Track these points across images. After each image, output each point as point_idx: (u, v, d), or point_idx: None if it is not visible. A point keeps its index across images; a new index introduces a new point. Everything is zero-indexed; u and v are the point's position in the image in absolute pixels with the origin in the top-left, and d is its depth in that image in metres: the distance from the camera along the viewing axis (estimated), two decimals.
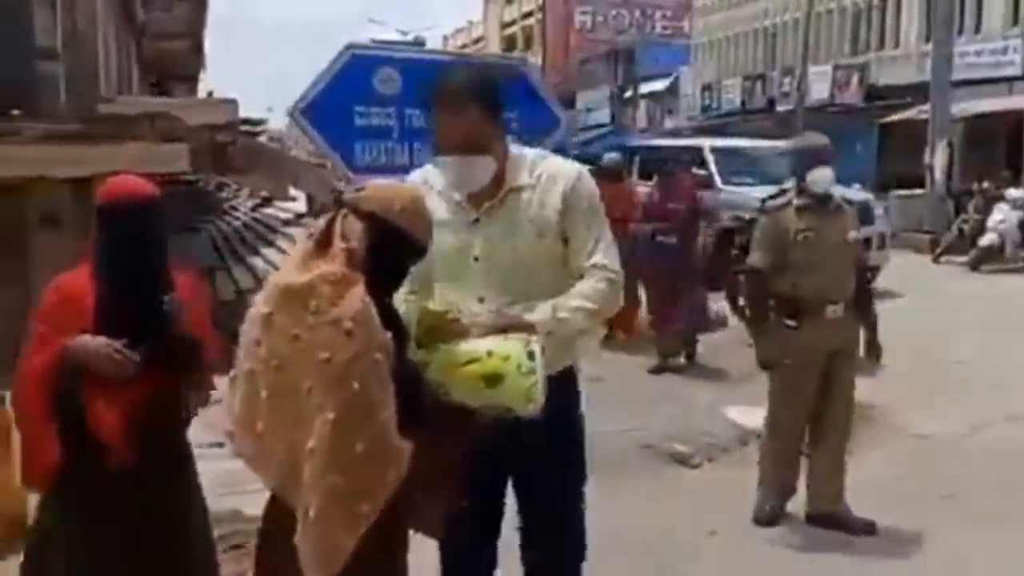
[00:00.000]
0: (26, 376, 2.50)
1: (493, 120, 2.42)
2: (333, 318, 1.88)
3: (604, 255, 2.52)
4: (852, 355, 4.54)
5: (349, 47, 6.35)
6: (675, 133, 28.10)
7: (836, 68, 28.15)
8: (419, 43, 51.33)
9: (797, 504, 4.61)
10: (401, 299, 2.24)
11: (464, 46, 61.06)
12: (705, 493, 5.00)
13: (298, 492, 1.87)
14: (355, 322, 1.88)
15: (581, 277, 2.50)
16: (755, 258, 4.44)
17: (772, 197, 8.92)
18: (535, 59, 49.96)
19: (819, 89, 27.05)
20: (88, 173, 8.38)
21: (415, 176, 2.63)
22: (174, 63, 23.78)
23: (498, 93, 2.46)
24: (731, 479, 5.15)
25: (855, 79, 27.50)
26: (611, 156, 9.60)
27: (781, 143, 14.87)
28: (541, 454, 2.54)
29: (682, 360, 7.77)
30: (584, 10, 41.05)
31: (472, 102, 2.37)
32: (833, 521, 4.41)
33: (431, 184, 2.52)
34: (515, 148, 2.56)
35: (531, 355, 2.14)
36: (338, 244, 1.99)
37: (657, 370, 7.59)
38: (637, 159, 13.78)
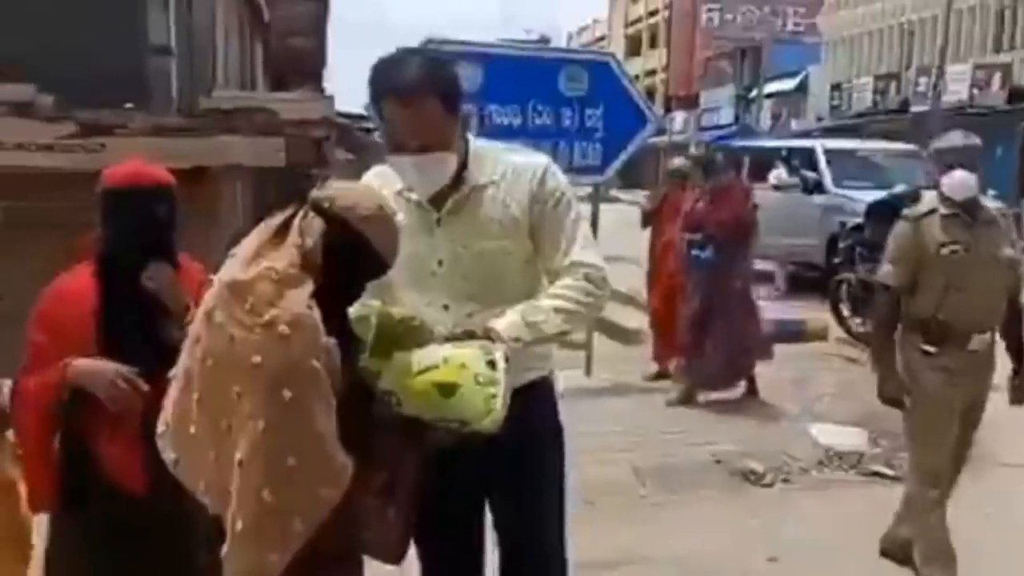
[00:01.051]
0: (25, 397, 2.37)
1: (452, 112, 2.19)
2: (269, 320, 1.73)
3: (582, 251, 2.29)
4: (986, 392, 3.86)
5: (428, 42, 6.28)
6: (804, 134, 27.11)
7: (976, 67, 26.57)
8: (544, 41, 51.55)
9: (856, 535, 4.24)
10: (356, 304, 2.08)
11: (587, 45, 60.85)
12: (772, 515, 4.70)
13: (227, 503, 1.75)
14: (292, 326, 1.73)
15: (556, 276, 2.29)
16: (889, 274, 3.77)
17: (882, 202, 8.28)
18: (660, 58, 49.31)
19: (957, 89, 25.56)
20: (188, 166, 8.68)
21: (369, 176, 2.39)
22: (298, 60, 24.45)
23: (456, 83, 2.24)
24: (803, 503, 4.84)
25: (996, 79, 25.86)
26: (679, 160, 8.06)
27: (898, 145, 14.20)
28: (514, 479, 2.35)
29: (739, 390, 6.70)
30: (711, 7, 39.98)
31: (428, 94, 2.13)
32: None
33: (388, 184, 2.29)
34: (478, 141, 2.35)
35: (492, 364, 1.96)
36: (293, 241, 1.84)
37: (676, 402, 6.48)
38: (747, 160, 13.32)
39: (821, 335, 8.63)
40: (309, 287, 1.79)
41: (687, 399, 6.47)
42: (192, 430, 1.81)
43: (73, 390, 2.33)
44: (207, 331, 1.80)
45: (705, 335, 6.48)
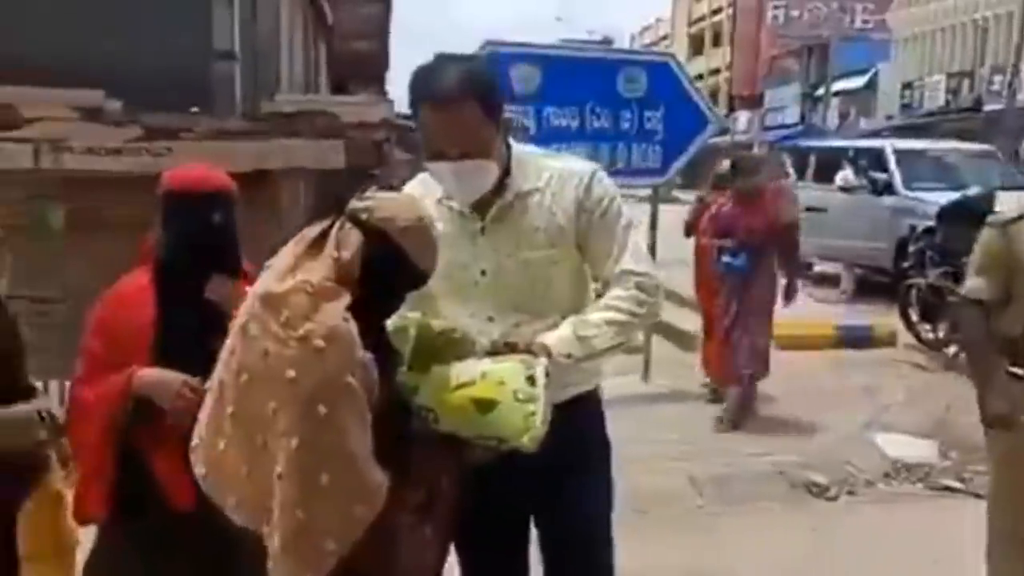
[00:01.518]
0: (86, 407, 2.31)
1: (491, 118, 2.11)
2: (304, 333, 1.69)
3: (632, 259, 2.21)
4: None
5: (487, 44, 6.25)
6: (872, 134, 26.49)
7: None
8: (607, 42, 51.37)
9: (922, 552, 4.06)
10: (394, 316, 2.03)
11: (650, 44, 60.36)
12: (835, 529, 4.54)
13: (262, 518, 1.72)
14: (328, 340, 1.68)
15: (607, 286, 2.21)
16: (975, 286, 3.37)
17: (955, 204, 7.82)
18: (723, 57, 48.71)
19: None
20: (250, 169, 8.81)
21: (412, 184, 2.33)
22: (361, 63, 24.68)
23: (495, 88, 2.17)
24: (868, 517, 4.67)
25: None
26: (725, 163, 7.24)
27: (971, 145, 13.75)
28: (560, 496, 2.28)
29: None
30: (777, 4, 39.35)
31: (467, 98, 2.06)
32: None
33: (430, 192, 2.24)
34: (520, 147, 2.28)
35: (531, 380, 1.88)
36: (329, 253, 1.80)
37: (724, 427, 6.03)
38: (812, 160, 13.03)
39: (889, 341, 8.39)
40: (345, 300, 1.75)
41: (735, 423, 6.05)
42: (222, 445, 1.78)
43: (137, 406, 2.28)
44: (242, 344, 1.77)
45: (723, 343, 6.21)
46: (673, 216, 8.01)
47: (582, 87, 6.45)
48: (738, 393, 6.10)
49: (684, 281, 7.21)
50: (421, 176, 2.31)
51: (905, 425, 5.97)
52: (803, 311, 9.59)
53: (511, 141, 2.25)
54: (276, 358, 1.70)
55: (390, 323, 1.98)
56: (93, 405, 2.30)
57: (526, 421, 1.85)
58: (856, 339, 8.39)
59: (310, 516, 1.68)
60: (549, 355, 2.01)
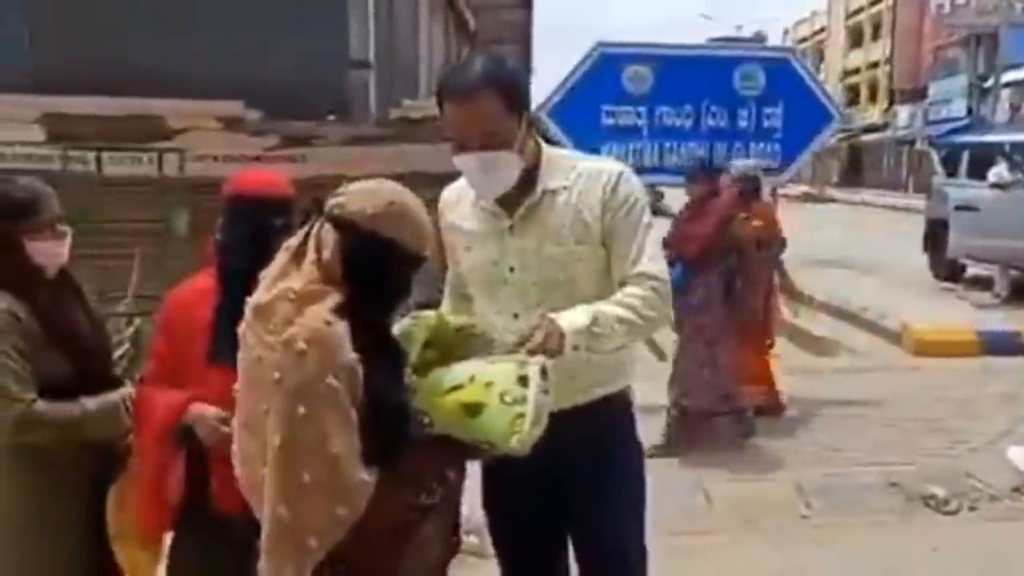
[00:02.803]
0: (145, 410, 2.37)
1: (514, 111, 2.12)
2: (287, 338, 1.74)
3: (650, 261, 2.21)
4: None
5: (599, 45, 6.24)
6: None
7: None
8: (759, 39, 50.07)
9: None
10: (410, 316, 2.05)
11: (805, 39, 58.35)
12: (953, 546, 4.28)
13: None
14: (309, 342, 1.72)
15: (623, 286, 2.21)
16: None
17: None
18: (883, 49, 46.57)
19: None
20: (378, 173, 9.12)
21: (452, 188, 2.37)
22: None
23: (519, 82, 2.17)
24: (990, 534, 4.38)
25: None
26: (744, 163, 6.24)
27: None
28: (589, 501, 2.27)
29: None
30: None
31: (488, 89, 2.08)
32: None
33: (463, 194, 2.31)
34: (550, 147, 2.30)
35: (523, 380, 1.84)
36: (310, 257, 1.82)
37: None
38: (965, 156, 12.30)
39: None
40: (332, 300, 1.78)
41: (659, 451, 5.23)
42: (241, 455, 1.86)
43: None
44: (242, 354, 1.85)
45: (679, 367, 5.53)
46: (826, 216, 7.72)
47: (697, 86, 6.35)
48: (673, 420, 5.51)
49: (815, 284, 6.94)
50: (461, 181, 2.34)
51: None
52: (949, 315, 9.12)
53: (539, 140, 2.27)
54: (265, 363, 1.76)
55: (400, 325, 2.00)
56: (153, 414, 2.37)
57: (513, 424, 1.82)
58: (1001, 346, 7.88)
59: (293, 514, 1.72)
60: (561, 347, 1.99)
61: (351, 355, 1.75)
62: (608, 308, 2.13)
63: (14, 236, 2.34)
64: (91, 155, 7.19)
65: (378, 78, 10.68)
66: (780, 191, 6.89)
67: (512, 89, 2.13)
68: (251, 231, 2.38)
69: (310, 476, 1.71)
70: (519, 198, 2.21)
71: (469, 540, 4.20)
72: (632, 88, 6.20)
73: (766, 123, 6.42)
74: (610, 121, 6.26)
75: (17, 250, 2.34)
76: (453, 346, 1.98)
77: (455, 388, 1.86)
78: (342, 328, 1.76)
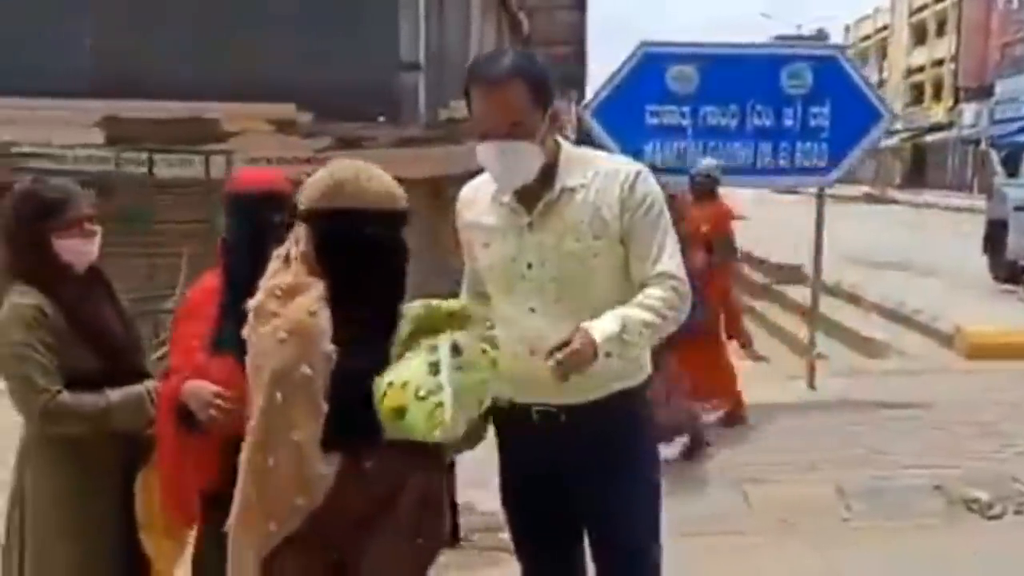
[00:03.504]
0: (163, 399, 2.40)
1: (539, 104, 2.15)
2: (271, 328, 1.84)
3: (669, 260, 2.24)
4: None
5: (642, 45, 6.24)
6: None
7: None
8: (821, 37, 49.12)
9: None
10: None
11: (867, 37, 57.31)
12: (996, 551, 4.20)
13: None
14: (290, 332, 1.82)
15: (643, 286, 2.23)
16: None
17: None
18: (949, 46, 45.53)
19: None
20: (426, 174, 9.22)
21: (473, 183, 2.40)
22: (559, 68, 25.06)
23: (547, 79, 2.20)
24: None
25: None
26: (707, 162, 6.05)
27: None
28: (605, 497, 2.30)
29: None
30: None
31: (513, 78, 2.12)
32: None
33: (481, 191, 2.34)
34: (568, 145, 2.31)
35: (434, 367, 1.86)
36: (292, 254, 1.92)
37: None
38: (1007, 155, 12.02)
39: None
40: (316, 290, 1.86)
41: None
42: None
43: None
44: (248, 358, 1.95)
45: None
46: (888, 218, 7.62)
47: (742, 85, 6.30)
48: None
49: (870, 285, 6.82)
50: (486, 175, 2.36)
51: None
52: (1008, 318, 8.91)
53: (560, 138, 2.29)
54: (255, 354, 1.87)
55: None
56: (165, 399, 2.41)
57: (431, 417, 1.84)
58: None
59: (258, 495, 1.82)
60: (594, 356, 2.03)
61: (328, 346, 1.81)
62: (635, 313, 2.16)
63: (43, 234, 2.42)
64: (143, 157, 7.43)
65: (428, 80, 10.80)
66: (828, 191, 6.78)
67: (540, 83, 2.17)
68: (251, 228, 2.40)
69: (274, 461, 1.79)
70: (538, 195, 2.24)
71: (498, 536, 4.27)
72: (677, 88, 6.17)
73: (813, 122, 6.33)
74: (654, 121, 6.23)
75: (46, 248, 2.43)
76: (438, 327, 1.99)
77: (383, 396, 1.88)
78: (324, 319, 1.84)
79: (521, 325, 2.22)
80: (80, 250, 2.47)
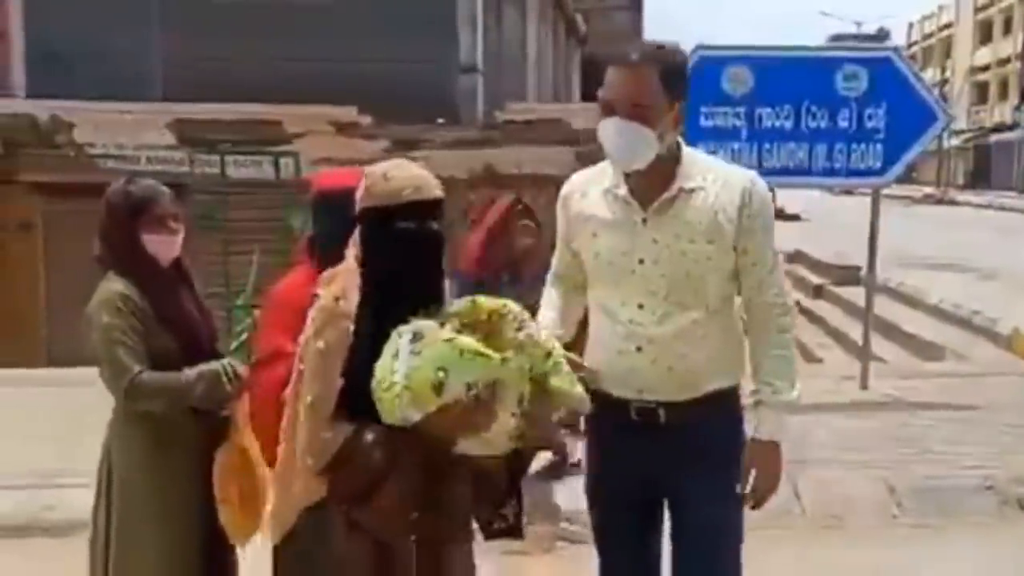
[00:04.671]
0: (260, 385, 2.49)
1: (668, 96, 2.19)
2: (312, 308, 2.10)
3: (772, 276, 2.35)
4: None
5: (698, 48, 6.32)
6: None
7: None
8: (882, 36, 48.17)
9: None
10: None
11: (930, 35, 56.22)
12: None
13: None
14: (318, 310, 2.06)
15: (754, 307, 2.35)
16: None
17: None
18: (1015, 44, 44.43)
19: None
20: (483, 174, 9.41)
21: (584, 173, 2.43)
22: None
23: (683, 75, 2.26)
24: None
25: None
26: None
27: None
28: (692, 491, 2.35)
29: None
30: None
31: (646, 64, 2.17)
32: None
33: (593, 183, 2.37)
34: (688, 147, 2.34)
35: (395, 355, 1.94)
36: (353, 252, 2.15)
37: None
38: None
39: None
40: (349, 279, 2.08)
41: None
42: None
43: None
44: None
45: None
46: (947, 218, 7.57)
47: (797, 87, 6.34)
48: None
49: (929, 287, 6.79)
50: (598, 167, 2.41)
51: None
52: None
53: (681, 140, 2.34)
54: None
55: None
56: (260, 390, 2.52)
57: (393, 406, 1.93)
58: None
59: (283, 461, 2.15)
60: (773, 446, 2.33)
61: (345, 325, 2.01)
62: (781, 368, 2.35)
63: (133, 230, 2.64)
64: (216, 158, 7.71)
65: (486, 82, 10.98)
66: (889, 192, 6.78)
67: (673, 76, 2.22)
68: (344, 225, 2.38)
69: (286, 421, 2.08)
70: (655, 192, 2.27)
71: (562, 526, 4.41)
72: (731, 90, 6.24)
73: (868, 124, 6.35)
74: (709, 122, 6.30)
75: (135, 242, 2.64)
76: (487, 332, 2.05)
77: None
78: (349, 304, 2.03)
79: (627, 319, 2.28)
80: (165, 245, 2.67)
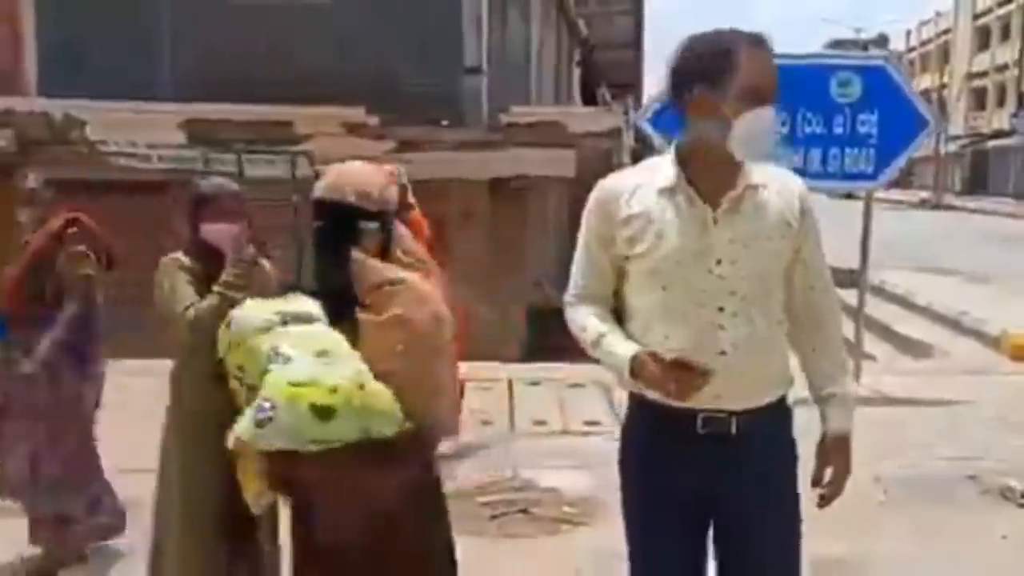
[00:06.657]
0: None
1: None
2: None
3: (820, 277, 2.31)
4: None
5: None
6: None
7: None
8: (881, 42, 48.29)
9: None
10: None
11: (928, 41, 56.50)
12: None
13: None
14: None
15: (808, 302, 2.29)
16: None
17: None
18: (1013, 51, 44.70)
19: None
20: (489, 176, 9.60)
21: (623, 177, 2.27)
22: (617, 72, 25.29)
23: None
24: None
25: None
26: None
27: None
28: (743, 500, 2.24)
29: None
30: None
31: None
32: None
33: (643, 182, 2.20)
34: None
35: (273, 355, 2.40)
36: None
37: None
38: None
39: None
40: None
41: None
42: None
43: None
44: None
45: None
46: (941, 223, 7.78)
47: (792, 93, 6.55)
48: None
49: (921, 289, 6.98)
50: (646, 163, 2.31)
51: None
52: None
53: None
54: None
55: None
56: None
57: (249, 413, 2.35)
58: None
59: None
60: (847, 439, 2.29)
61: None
62: (848, 363, 2.44)
63: (196, 220, 3.01)
64: (232, 157, 7.92)
65: (490, 84, 11.18)
66: (885, 196, 7.01)
67: None
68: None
69: None
70: (721, 189, 2.16)
71: (564, 509, 4.62)
72: None
73: (861, 129, 6.59)
74: None
75: (196, 231, 3.01)
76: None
77: None
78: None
79: (703, 324, 2.15)
80: (222, 235, 2.97)
